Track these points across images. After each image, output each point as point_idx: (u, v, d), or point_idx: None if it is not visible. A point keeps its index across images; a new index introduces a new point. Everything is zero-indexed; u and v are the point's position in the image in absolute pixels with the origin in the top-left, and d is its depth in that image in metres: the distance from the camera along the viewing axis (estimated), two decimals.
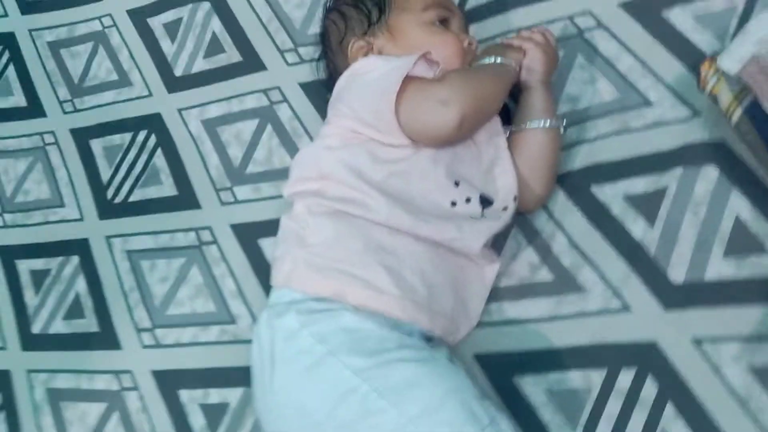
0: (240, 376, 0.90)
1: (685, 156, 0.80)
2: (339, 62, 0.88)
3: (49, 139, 1.21)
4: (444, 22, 0.86)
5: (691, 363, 0.72)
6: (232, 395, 0.90)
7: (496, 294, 0.82)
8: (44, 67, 1.27)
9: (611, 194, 0.82)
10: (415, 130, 0.74)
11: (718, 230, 0.75)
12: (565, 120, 0.85)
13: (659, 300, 0.75)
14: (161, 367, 0.96)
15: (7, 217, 1.17)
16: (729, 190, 0.77)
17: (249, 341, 0.89)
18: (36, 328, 1.06)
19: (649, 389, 0.72)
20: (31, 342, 1.05)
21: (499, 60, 0.80)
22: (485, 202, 0.78)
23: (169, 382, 0.94)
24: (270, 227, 0.97)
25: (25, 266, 1.12)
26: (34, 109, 1.25)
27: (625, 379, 0.74)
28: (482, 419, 0.64)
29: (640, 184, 0.81)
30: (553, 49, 0.86)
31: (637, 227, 0.79)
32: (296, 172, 0.80)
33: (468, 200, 0.76)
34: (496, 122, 0.83)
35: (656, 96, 0.84)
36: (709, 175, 0.78)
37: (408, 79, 0.74)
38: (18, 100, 1.27)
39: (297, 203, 0.78)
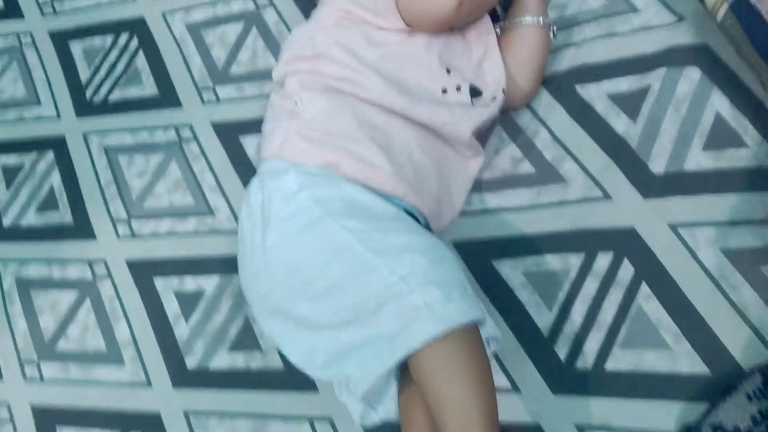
0: (216, 265, 0.92)
1: (669, 58, 0.83)
2: None
3: (26, 39, 1.20)
4: None
5: (668, 247, 0.75)
6: (207, 283, 0.91)
7: (477, 185, 0.84)
8: None
9: (595, 93, 0.85)
10: (412, 11, 0.76)
11: (698, 125, 0.79)
12: (555, 26, 0.87)
13: (639, 189, 0.78)
14: (136, 256, 0.96)
15: None
16: (710, 89, 0.80)
17: (227, 232, 0.92)
18: (6, 222, 1.05)
19: (626, 271, 0.75)
20: (0, 234, 1.05)
21: None
22: (474, 92, 0.80)
23: (144, 270, 0.95)
24: (252, 126, 0.99)
25: None
26: (10, 10, 1.24)
27: (603, 262, 0.77)
28: (468, 287, 0.66)
29: (624, 84, 0.84)
30: None
31: (619, 122, 0.82)
32: (289, 52, 0.81)
33: (458, 88, 0.78)
34: (487, 21, 0.85)
35: (642, 3, 0.87)
36: (692, 75, 0.81)
37: None
38: None
39: (290, 79, 0.79)
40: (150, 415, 0.87)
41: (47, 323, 0.96)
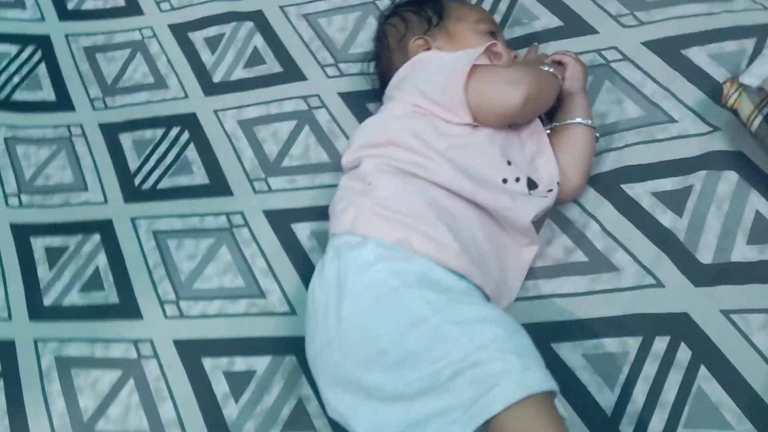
0: (268, 345, 0.94)
1: (708, 161, 0.91)
2: (396, 59, 0.99)
3: (76, 131, 1.27)
4: (492, 34, 0.99)
5: (722, 331, 0.79)
6: (258, 363, 0.92)
7: (532, 273, 0.89)
8: (77, 68, 1.34)
9: (640, 191, 0.92)
10: (482, 105, 0.84)
11: (740, 221, 0.86)
12: (599, 131, 0.96)
13: (689, 278, 0.84)
14: (184, 336, 0.97)
15: (24, 198, 1.19)
16: (748, 191, 0.88)
17: (278, 314, 0.95)
18: (48, 301, 1.07)
19: (683, 354, 0.79)
20: (40, 312, 1.06)
21: (549, 69, 0.93)
22: (531, 183, 0.87)
23: (192, 350, 0.96)
24: (304, 214, 1.04)
25: (40, 243, 1.13)
26: (61, 102, 1.31)
27: (660, 345, 0.81)
28: (542, 359, 0.69)
29: (667, 184, 0.91)
30: (583, 63, 0.99)
31: (666, 218, 0.89)
32: (361, 139, 0.89)
33: (517, 179, 0.86)
34: (537, 122, 0.94)
35: (679, 114, 0.97)
36: (730, 178, 0.89)
37: (475, 66, 0.85)
38: (46, 94, 1.33)
39: (364, 162, 0.85)
40: None
41: (87, 403, 0.95)
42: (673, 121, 0.97)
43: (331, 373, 0.75)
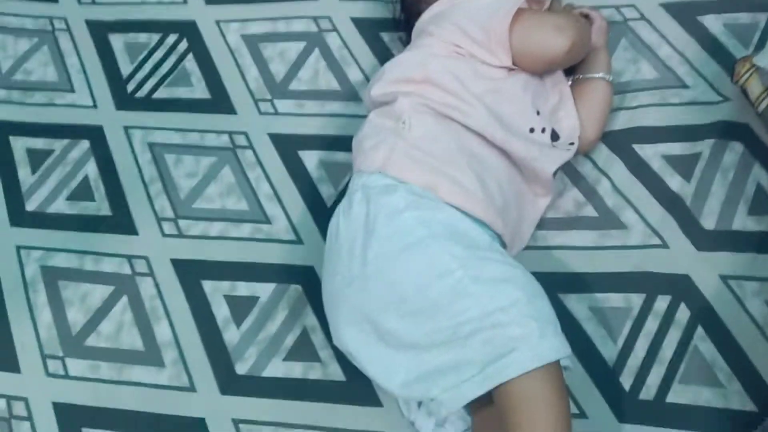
0: (273, 273, 0.94)
1: (717, 130, 0.95)
2: None
3: (59, 24, 1.20)
4: None
5: (719, 295, 0.85)
6: (262, 290, 0.93)
7: (543, 224, 0.92)
8: None
9: (651, 153, 0.96)
10: (527, 50, 0.85)
11: (743, 192, 0.91)
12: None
13: (693, 241, 0.88)
14: (183, 256, 0.96)
15: (1, 92, 1.13)
16: (752, 163, 0.92)
17: (285, 242, 0.95)
18: (31, 206, 1.03)
19: (683, 313, 0.85)
20: (22, 218, 1.02)
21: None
22: (554, 135, 0.89)
23: (191, 271, 0.95)
24: (312, 141, 1.03)
25: (20, 143, 1.08)
26: None
27: (662, 304, 0.86)
28: (558, 324, 0.72)
29: (676, 148, 0.95)
30: (607, 22, 1.01)
31: (674, 181, 0.93)
32: (395, 73, 0.87)
33: (543, 130, 0.87)
34: (560, 73, 0.95)
35: (692, 81, 1.00)
36: (736, 148, 0.94)
37: (521, 9, 0.85)
38: None
39: (400, 99, 0.84)
40: (194, 421, 0.86)
41: (76, 317, 0.94)
42: (685, 87, 1.00)
43: (348, 312, 0.77)
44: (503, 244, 0.83)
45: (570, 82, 0.96)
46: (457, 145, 0.81)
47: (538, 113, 0.87)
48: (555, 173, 0.95)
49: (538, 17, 0.87)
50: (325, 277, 0.81)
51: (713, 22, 1.04)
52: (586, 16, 0.99)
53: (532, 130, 0.86)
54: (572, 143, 0.90)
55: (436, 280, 0.72)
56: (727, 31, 1.03)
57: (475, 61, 0.86)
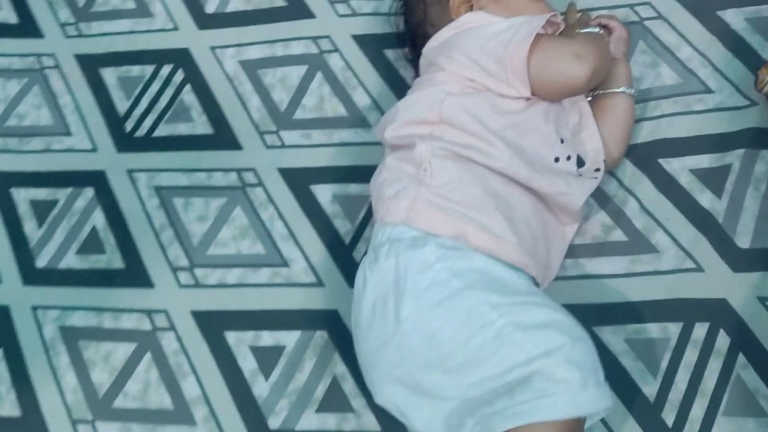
0: (296, 319, 0.93)
1: (746, 139, 0.93)
2: (434, 13, 0.94)
3: (48, 62, 1.17)
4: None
5: (759, 318, 0.84)
6: (288, 338, 0.92)
7: (571, 251, 0.91)
8: None
9: (678, 167, 0.94)
10: (546, 80, 0.82)
11: None
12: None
13: (728, 263, 0.87)
14: (203, 307, 0.95)
15: None
16: None
17: (305, 285, 0.94)
18: (41, 263, 1.02)
19: (722, 341, 0.84)
20: (34, 276, 1.01)
21: (599, 31, 0.91)
22: (580, 161, 0.87)
23: (213, 323, 0.94)
24: (324, 174, 1.01)
25: (23, 195, 1.07)
26: (27, 27, 1.20)
27: (700, 331, 0.85)
28: (601, 372, 0.72)
29: (704, 161, 0.93)
30: (628, 30, 0.98)
31: (704, 198, 0.91)
32: (409, 115, 0.85)
33: (569, 158, 0.85)
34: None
35: (716, 85, 0.98)
36: (767, 157, 0.92)
37: (538, 36, 0.82)
38: (6, 15, 1.21)
39: (419, 145, 0.82)
40: None
41: (101, 378, 0.93)
42: (710, 91, 0.98)
43: (388, 371, 0.76)
44: (536, 284, 0.82)
45: (589, 98, 0.93)
46: (482, 189, 0.80)
47: (562, 141, 0.85)
48: None
49: (555, 44, 0.84)
50: (357, 334, 0.80)
51: (734, 17, 1.02)
52: (605, 27, 0.96)
53: (557, 160, 0.84)
54: (598, 169, 0.88)
55: (477, 332, 0.71)
56: (750, 26, 1.01)
57: (492, 94, 0.84)
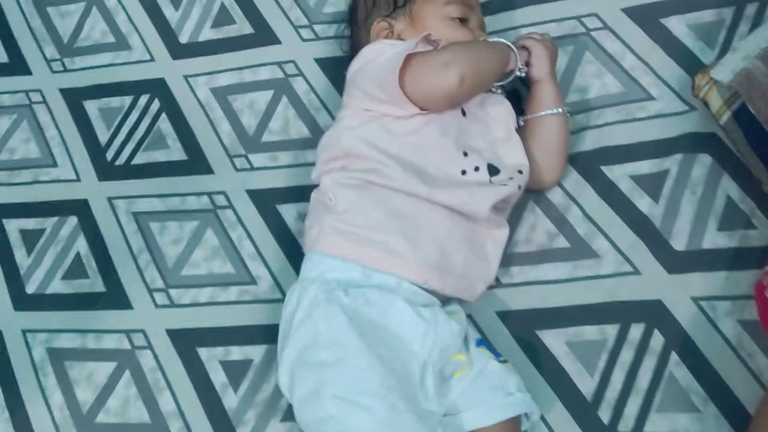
0: (263, 334, 1.01)
1: (684, 144, 0.98)
2: (362, 37, 1.02)
3: (35, 97, 1.26)
4: (463, 19, 0.99)
5: (692, 318, 0.90)
6: (255, 352, 1.00)
7: (518, 259, 0.97)
8: (28, 25, 1.32)
9: (619, 174, 0.99)
10: (421, 93, 0.88)
11: (712, 207, 0.94)
12: (568, 109, 1.00)
13: (664, 265, 0.93)
14: (177, 326, 1.04)
15: None
16: (720, 174, 0.96)
17: (271, 301, 1.02)
18: (30, 288, 1.11)
19: (657, 340, 0.90)
20: (24, 301, 1.10)
21: (499, 40, 0.97)
22: (493, 170, 0.91)
23: (187, 340, 1.03)
24: (289, 194, 1.09)
25: (14, 225, 1.16)
26: (16, 65, 1.29)
27: (636, 332, 0.91)
28: None
29: (644, 167, 0.99)
30: (553, 45, 1.01)
31: (643, 203, 0.97)
32: (322, 156, 0.94)
33: (477, 168, 0.90)
34: (508, 106, 0.98)
35: (657, 92, 1.03)
36: (704, 160, 0.97)
37: (411, 55, 0.88)
38: None
39: (323, 178, 0.91)
40: None
41: (84, 396, 1.02)
42: (651, 98, 1.03)
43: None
44: (443, 295, 0.88)
45: (522, 123, 0.98)
46: (384, 210, 0.86)
47: (465, 154, 0.90)
48: (524, 206, 1.00)
49: (423, 59, 0.88)
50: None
51: (677, 24, 1.06)
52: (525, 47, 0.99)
53: (464, 172, 0.90)
54: (512, 177, 0.92)
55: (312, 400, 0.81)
56: (692, 32, 1.06)
57: (388, 119, 0.90)
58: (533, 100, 0.98)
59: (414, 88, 0.87)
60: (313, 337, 0.81)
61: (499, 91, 0.98)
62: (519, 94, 1.04)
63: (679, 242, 0.94)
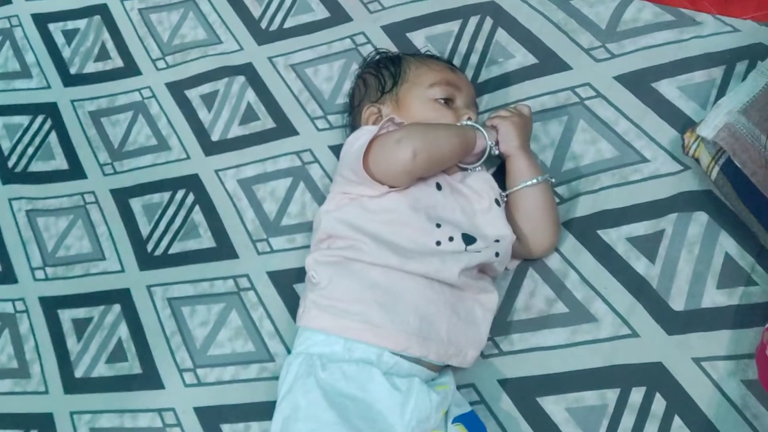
0: None
1: (679, 203, 0.94)
2: (357, 123, 1.05)
3: (89, 198, 1.34)
4: (448, 99, 1.00)
5: (693, 380, 0.84)
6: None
7: (518, 326, 0.95)
8: (85, 134, 1.41)
9: (615, 237, 0.96)
10: (379, 170, 0.90)
11: (710, 265, 0.89)
12: (550, 176, 0.98)
13: (663, 326, 0.88)
14: (203, 403, 1.05)
15: (49, 270, 1.28)
16: (718, 232, 0.91)
17: None
18: (79, 373, 1.15)
19: (658, 404, 0.84)
20: (73, 385, 1.15)
21: (465, 123, 0.96)
22: (468, 239, 0.90)
23: (211, 417, 1.04)
24: (304, 274, 1.09)
25: (67, 315, 1.22)
26: (74, 170, 1.38)
27: (637, 396, 0.85)
28: None
29: (640, 228, 0.95)
30: (524, 118, 1.00)
31: (640, 264, 0.93)
32: (312, 239, 0.98)
33: (451, 239, 0.89)
34: (489, 181, 0.97)
35: (651, 154, 1.00)
36: (700, 219, 0.92)
37: (375, 137, 0.90)
38: (59, 163, 1.40)
39: (307, 259, 0.94)
40: None
41: None
42: (645, 161, 1.00)
43: None
44: (427, 361, 0.86)
45: (505, 198, 0.97)
46: (361, 283, 0.87)
47: (438, 225, 0.90)
48: (523, 274, 0.98)
49: (382, 138, 0.90)
50: None
51: (668, 88, 1.04)
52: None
53: (438, 243, 0.89)
54: (487, 246, 0.90)
55: None
56: (683, 94, 1.02)
57: (364, 199, 0.92)
58: (509, 175, 0.97)
59: (374, 167, 0.90)
60: (293, 409, 0.81)
61: (478, 168, 0.97)
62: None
63: (677, 302, 0.89)
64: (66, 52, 1.51)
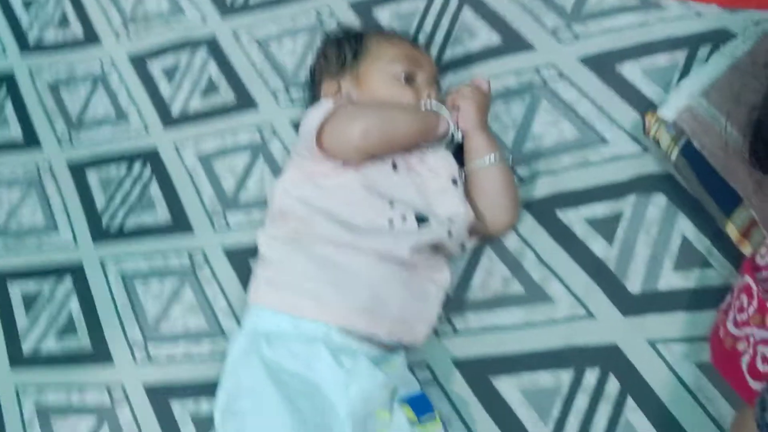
0: None
1: (638, 185, 0.91)
2: (317, 97, 1.00)
3: (44, 169, 1.27)
4: (409, 77, 0.95)
5: (648, 362, 0.81)
6: None
7: (473, 305, 0.91)
8: (42, 104, 1.34)
9: (574, 218, 0.92)
10: (331, 146, 0.87)
11: (667, 247, 0.86)
12: (510, 154, 0.96)
13: (619, 308, 0.85)
14: (153, 379, 1.00)
15: None
16: (676, 214, 0.88)
17: None
18: (26, 348, 1.09)
19: (612, 386, 0.81)
20: (20, 360, 1.08)
21: (430, 107, 0.92)
22: (421, 218, 0.86)
23: (160, 394, 0.98)
24: None
25: (17, 289, 1.16)
26: (29, 140, 1.31)
27: (591, 377, 0.82)
28: None
29: (599, 209, 0.92)
30: (484, 97, 0.95)
31: (597, 245, 0.89)
32: (267, 217, 0.93)
33: (404, 218, 0.85)
34: (449, 161, 0.92)
35: (611, 136, 0.96)
36: (659, 201, 0.89)
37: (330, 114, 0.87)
38: (14, 133, 1.33)
39: (258, 233, 0.90)
40: None
41: None
42: (605, 142, 0.96)
43: None
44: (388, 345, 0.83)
45: (463, 175, 0.93)
46: (311, 260, 0.83)
47: (391, 204, 0.86)
48: (480, 254, 0.94)
49: (337, 114, 0.87)
50: None
51: (631, 70, 1.00)
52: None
53: (391, 221, 0.85)
54: (440, 224, 0.86)
55: None
56: (646, 77, 0.99)
57: (318, 176, 0.88)
58: (468, 153, 0.93)
59: (327, 143, 0.86)
60: (236, 386, 0.77)
61: (442, 148, 0.93)
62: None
63: (634, 284, 0.85)
64: (25, 20, 1.43)
